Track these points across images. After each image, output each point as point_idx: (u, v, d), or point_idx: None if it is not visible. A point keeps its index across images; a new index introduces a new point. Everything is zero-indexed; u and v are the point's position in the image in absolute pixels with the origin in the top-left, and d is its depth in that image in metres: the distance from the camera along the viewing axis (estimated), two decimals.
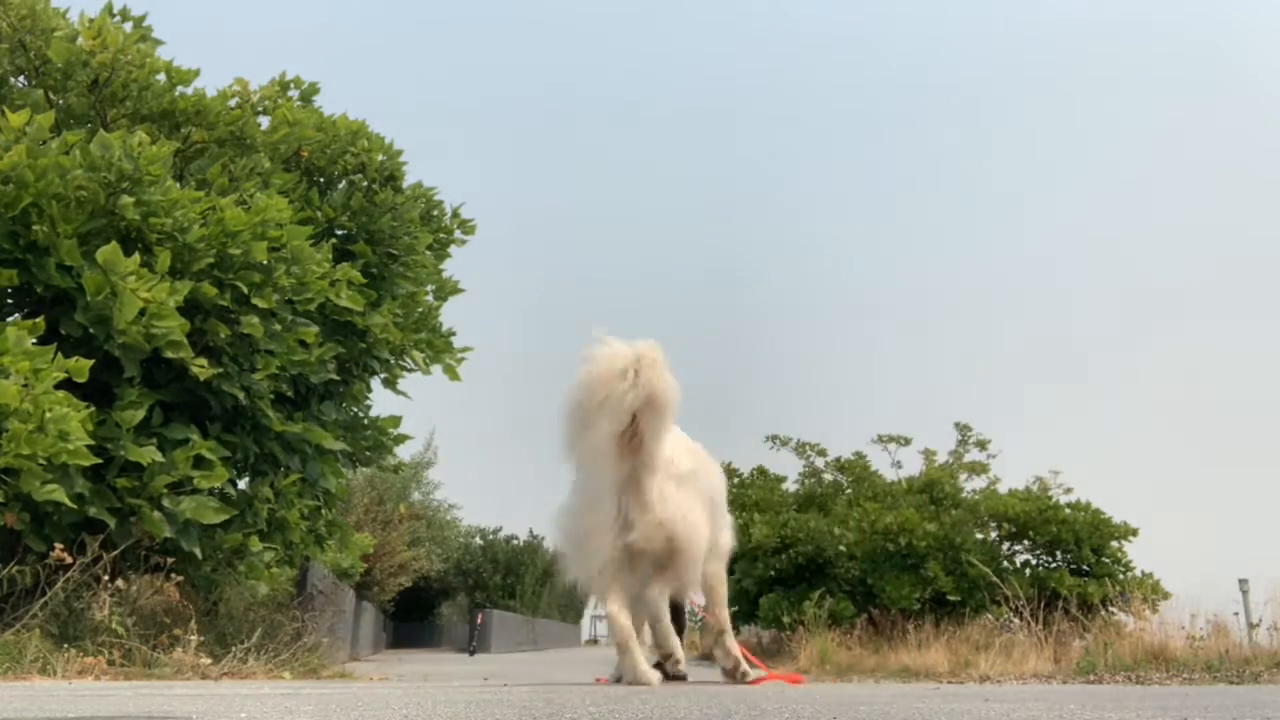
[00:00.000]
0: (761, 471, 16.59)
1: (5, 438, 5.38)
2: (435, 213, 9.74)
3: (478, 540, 42.62)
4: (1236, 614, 9.33)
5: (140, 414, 6.37)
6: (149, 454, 6.31)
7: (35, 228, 6.34)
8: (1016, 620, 10.74)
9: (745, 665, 4.62)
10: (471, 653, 28.38)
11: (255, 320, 6.92)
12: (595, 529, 3.77)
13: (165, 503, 6.41)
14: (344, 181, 9.17)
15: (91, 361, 6.01)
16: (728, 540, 4.58)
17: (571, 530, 3.99)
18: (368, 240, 8.87)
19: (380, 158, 9.06)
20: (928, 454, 15.86)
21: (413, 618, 39.14)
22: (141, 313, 6.30)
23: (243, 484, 7.69)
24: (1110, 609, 12.26)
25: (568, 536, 4.03)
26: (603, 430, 3.63)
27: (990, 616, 12.35)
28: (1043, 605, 9.77)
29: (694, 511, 3.86)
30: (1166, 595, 11.72)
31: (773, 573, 13.75)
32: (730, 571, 16.55)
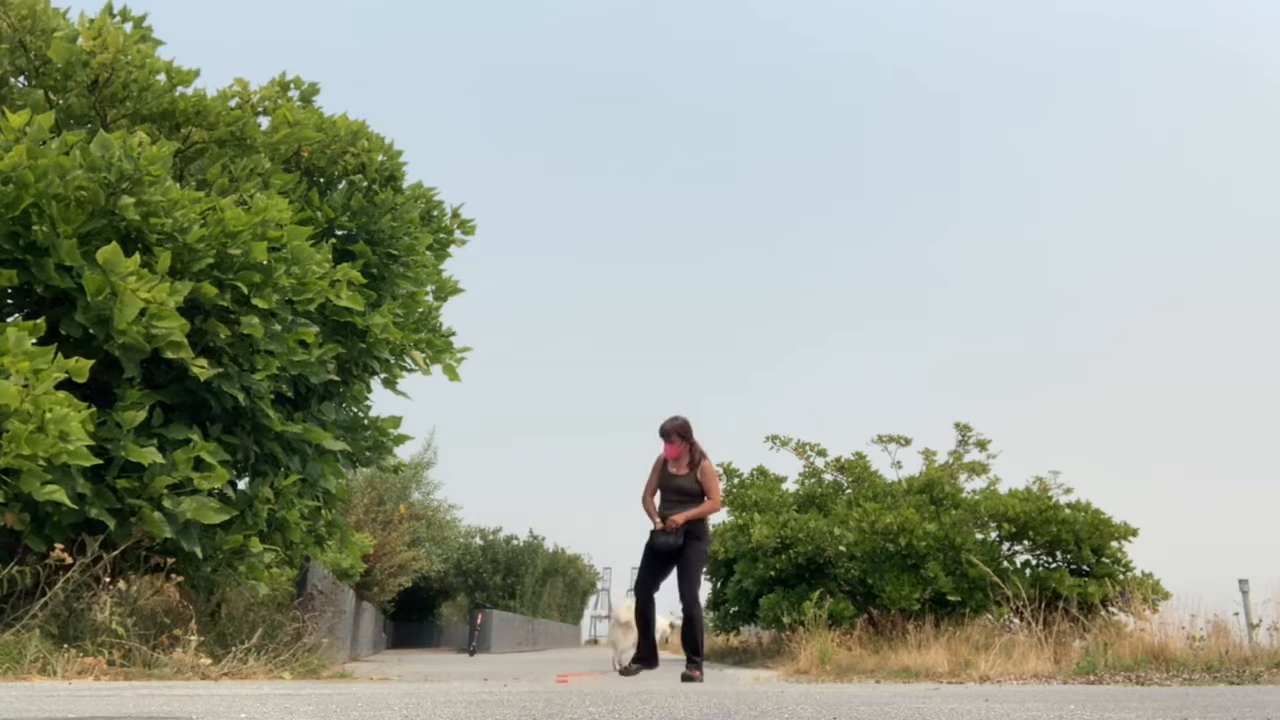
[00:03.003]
0: (761, 471, 16.55)
1: (6, 438, 5.38)
2: (435, 213, 9.74)
3: (478, 540, 42.57)
4: (1236, 614, 9.33)
5: (141, 415, 6.37)
6: (149, 454, 6.30)
7: (35, 228, 6.34)
8: (1017, 620, 10.74)
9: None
10: (471, 653, 28.37)
11: (255, 320, 6.92)
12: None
13: (166, 503, 6.41)
14: (344, 182, 9.16)
15: (91, 362, 6.01)
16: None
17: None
18: (368, 240, 8.86)
19: (380, 158, 9.05)
20: (928, 454, 15.82)
21: (413, 618, 39.10)
22: (141, 313, 6.30)
23: (243, 484, 7.69)
24: (1110, 609, 12.24)
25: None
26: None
27: (990, 617, 12.34)
28: (1043, 605, 9.77)
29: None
30: (1166, 595, 11.70)
31: (773, 573, 13.74)
32: (730, 572, 16.50)
